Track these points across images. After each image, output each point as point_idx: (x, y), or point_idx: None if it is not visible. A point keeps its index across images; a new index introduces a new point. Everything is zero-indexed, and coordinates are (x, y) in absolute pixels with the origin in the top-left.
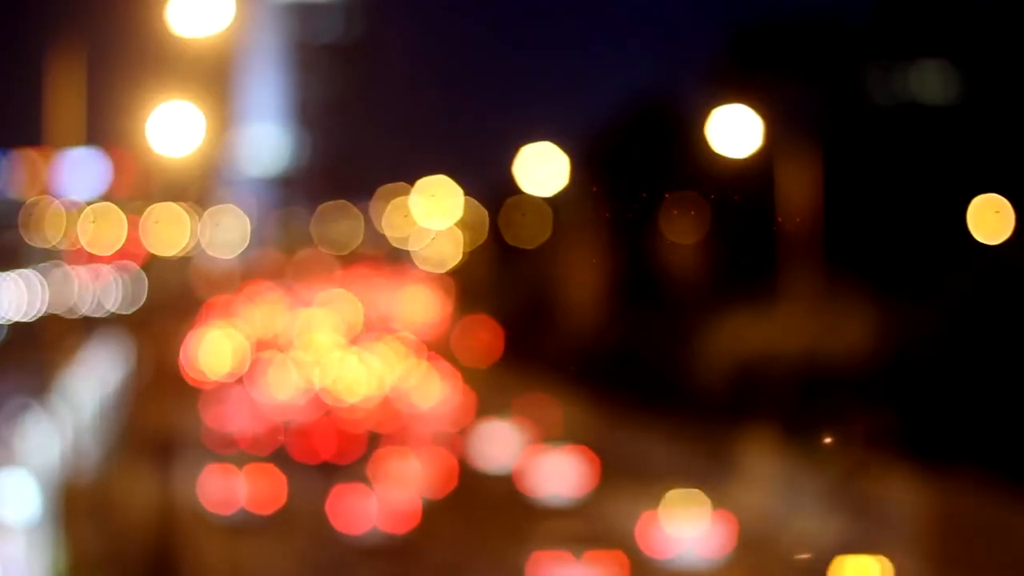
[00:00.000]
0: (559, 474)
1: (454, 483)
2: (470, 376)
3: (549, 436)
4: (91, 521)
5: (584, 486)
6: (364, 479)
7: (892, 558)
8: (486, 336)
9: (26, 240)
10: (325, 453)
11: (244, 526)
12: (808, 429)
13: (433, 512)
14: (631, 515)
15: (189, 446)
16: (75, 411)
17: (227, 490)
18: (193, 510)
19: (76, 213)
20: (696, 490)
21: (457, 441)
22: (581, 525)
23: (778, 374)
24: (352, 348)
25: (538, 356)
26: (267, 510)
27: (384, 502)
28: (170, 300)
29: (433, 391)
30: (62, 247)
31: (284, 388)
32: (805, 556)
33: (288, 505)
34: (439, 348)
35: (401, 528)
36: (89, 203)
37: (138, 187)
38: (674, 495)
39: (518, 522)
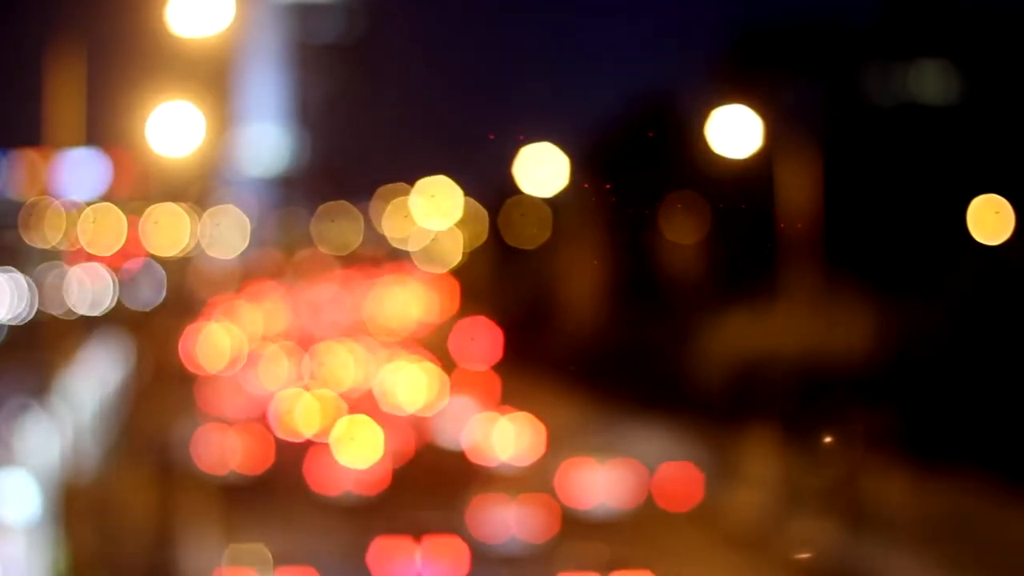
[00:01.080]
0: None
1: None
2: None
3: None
4: (91, 521)
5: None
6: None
7: (890, 557)
8: (485, 335)
9: (26, 240)
10: (308, 431)
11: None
12: (808, 429)
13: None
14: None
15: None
16: (75, 411)
17: (220, 451)
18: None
19: (76, 213)
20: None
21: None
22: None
23: (778, 374)
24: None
25: (538, 356)
26: (256, 471)
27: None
28: (170, 300)
29: (418, 389)
30: (62, 247)
31: (276, 378)
32: (804, 556)
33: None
34: (435, 348)
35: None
36: (89, 203)
37: (138, 187)
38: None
39: (469, 481)
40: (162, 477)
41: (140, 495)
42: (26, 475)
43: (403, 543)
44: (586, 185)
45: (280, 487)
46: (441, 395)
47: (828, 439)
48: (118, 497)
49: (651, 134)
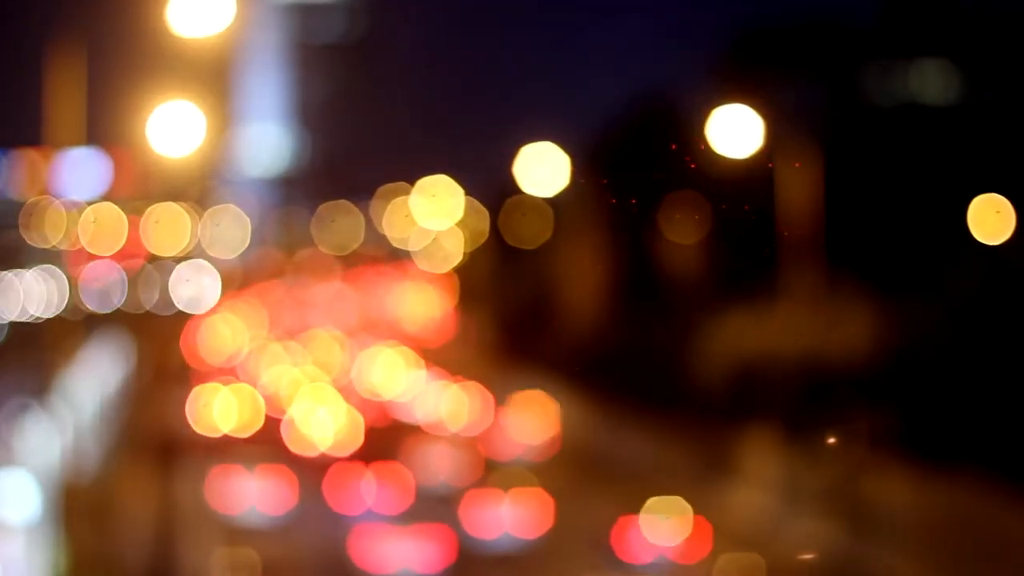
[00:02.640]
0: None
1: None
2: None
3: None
4: (91, 521)
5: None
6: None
7: (892, 558)
8: (485, 336)
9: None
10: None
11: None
12: (808, 429)
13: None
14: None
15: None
16: (75, 411)
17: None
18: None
19: (76, 213)
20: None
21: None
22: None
23: (778, 374)
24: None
25: (537, 355)
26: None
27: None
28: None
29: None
30: (62, 247)
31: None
32: (807, 556)
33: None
34: (434, 349)
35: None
36: (89, 203)
37: (138, 187)
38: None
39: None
40: (162, 475)
41: (140, 495)
42: (26, 475)
43: (355, 467)
44: (586, 185)
45: (266, 447)
46: (415, 379)
47: (829, 439)
48: (118, 497)
49: (651, 134)
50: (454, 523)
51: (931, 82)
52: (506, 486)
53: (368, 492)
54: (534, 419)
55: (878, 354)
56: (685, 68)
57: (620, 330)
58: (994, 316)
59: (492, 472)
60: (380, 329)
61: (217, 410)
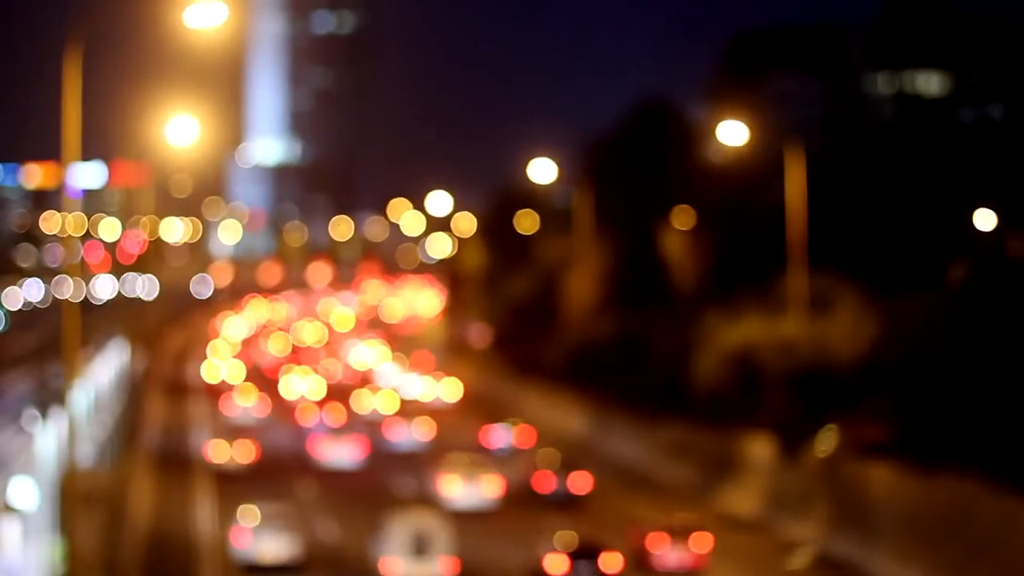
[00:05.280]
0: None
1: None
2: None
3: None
4: (91, 521)
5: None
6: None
7: (887, 556)
8: (485, 337)
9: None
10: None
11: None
12: (807, 429)
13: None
14: None
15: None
16: (75, 411)
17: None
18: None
19: (83, 220)
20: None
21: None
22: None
23: (778, 374)
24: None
25: (537, 354)
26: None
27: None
28: (175, 300)
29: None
30: (68, 252)
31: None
32: (802, 556)
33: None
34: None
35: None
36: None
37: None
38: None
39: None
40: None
41: (140, 493)
42: (26, 475)
43: (316, 403)
44: (586, 189)
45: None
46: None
47: (828, 438)
48: (118, 496)
49: (652, 138)
50: (376, 436)
51: (929, 85)
52: (412, 416)
53: (321, 415)
54: (455, 384)
55: (876, 353)
56: (685, 75)
57: (619, 330)
58: (993, 316)
59: (407, 406)
60: (366, 324)
61: (224, 369)
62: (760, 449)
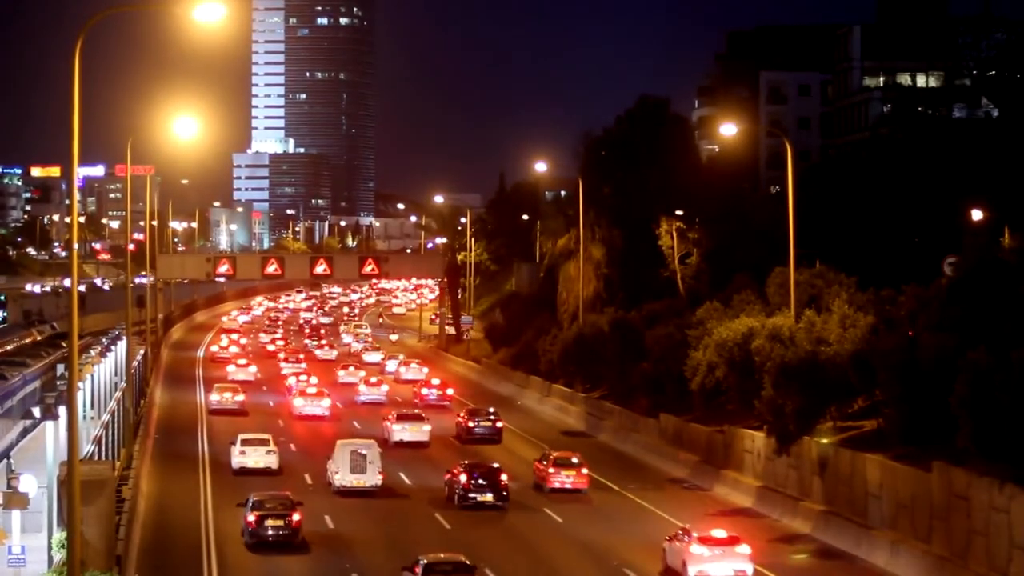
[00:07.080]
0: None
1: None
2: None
3: None
4: (91, 519)
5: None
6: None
7: (883, 548)
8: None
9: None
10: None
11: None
12: (805, 427)
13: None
14: None
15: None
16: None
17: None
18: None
19: (85, 222)
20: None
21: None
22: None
23: (778, 374)
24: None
25: (537, 354)
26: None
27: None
28: (180, 299)
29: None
30: (71, 254)
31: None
32: (801, 555)
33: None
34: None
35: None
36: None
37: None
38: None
39: None
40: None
41: (142, 490)
42: (27, 475)
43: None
44: (585, 188)
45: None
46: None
47: (827, 438)
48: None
49: (651, 138)
50: (351, 393)
51: (926, 86)
52: (380, 383)
53: (300, 382)
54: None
55: (875, 352)
56: (684, 74)
57: (619, 330)
58: (990, 315)
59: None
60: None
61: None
62: (755, 441)
